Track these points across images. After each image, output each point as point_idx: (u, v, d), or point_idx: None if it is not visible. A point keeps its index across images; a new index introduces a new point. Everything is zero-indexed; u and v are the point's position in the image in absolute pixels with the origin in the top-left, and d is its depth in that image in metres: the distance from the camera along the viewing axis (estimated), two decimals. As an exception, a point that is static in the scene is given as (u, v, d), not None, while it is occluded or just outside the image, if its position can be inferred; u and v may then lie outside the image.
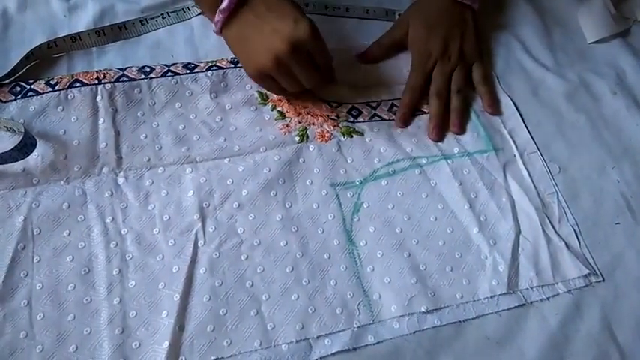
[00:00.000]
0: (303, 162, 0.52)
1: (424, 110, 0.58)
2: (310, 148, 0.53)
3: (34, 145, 0.48)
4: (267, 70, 0.49)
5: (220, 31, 0.50)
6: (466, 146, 0.55)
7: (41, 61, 0.55)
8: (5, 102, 0.51)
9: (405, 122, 0.56)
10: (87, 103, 0.52)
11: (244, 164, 0.51)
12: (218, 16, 0.49)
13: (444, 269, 0.49)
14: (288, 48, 0.47)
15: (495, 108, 0.58)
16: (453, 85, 0.57)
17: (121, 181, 0.49)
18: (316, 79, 0.52)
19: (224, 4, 0.48)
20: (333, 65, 0.55)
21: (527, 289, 0.48)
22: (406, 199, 0.52)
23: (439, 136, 0.55)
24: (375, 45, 0.60)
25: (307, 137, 0.54)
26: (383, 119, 0.56)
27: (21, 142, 0.47)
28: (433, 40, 0.58)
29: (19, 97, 0.51)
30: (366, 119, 0.56)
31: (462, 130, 0.56)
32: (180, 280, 0.45)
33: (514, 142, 0.56)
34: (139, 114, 0.52)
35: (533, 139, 0.57)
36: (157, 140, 0.52)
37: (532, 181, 0.54)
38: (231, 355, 0.43)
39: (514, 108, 0.58)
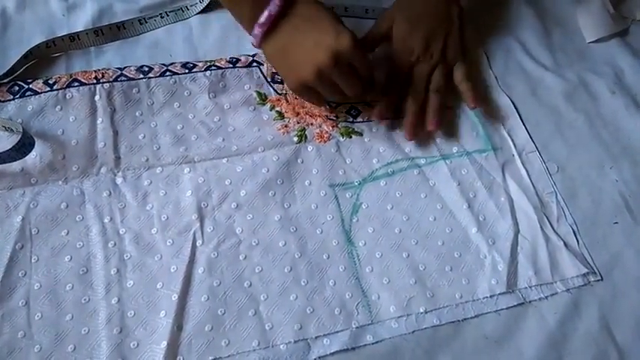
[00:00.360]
0: (302, 162, 0.52)
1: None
2: (309, 149, 0.53)
3: (32, 145, 0.48)
4: (310, 82, 0.48)
5: (260, 45, 0.49)
6: (465, 145, 0.55)
7: (40, 61, 0.54)
8: (3, 101, 0.51)
9: (382, 117, 0.55)
10: (85, 102, 0.52)
11: (243, 164, 0.51)
12: (257, 30, 0.48)
13: (443, 269, 0.49)
14: (331, 59, 0.46)
15: (479, 102, 0.56)
16: (432, 84, 0.56)
17: (119, 180, 0.49)
18: (359, 88, 0.51)
19: (263, 18, 0.47)
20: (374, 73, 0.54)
21: (526, 288, 0.48)
22: (405, 199, 0.52)
23: (412, 135, 0.54)
24: (361, 40, 0.58)
25: (306, 137, 0.54)
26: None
27: (19, 141, 0.47)
28: (416, 36, 0.57)
29: (18, 96, 0.51)
30: (365, 119, 0.56)
31: (437, 128, 0.55)
32: (178, 280, 0.45)
33: (513, 141, 0.56)
34: (137, 114, 0.52)
35: (532, 139, 0.56)
36: (155, 140, 0.52)
37: (531, 180, 0.54)
38: (229, 356, 0.43)
39: (513, 107, 0.58)
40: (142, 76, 0.54)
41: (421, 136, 0.55)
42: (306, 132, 0.54)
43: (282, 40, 0.48)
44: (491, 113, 0.58)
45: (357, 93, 0.51)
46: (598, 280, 0.50)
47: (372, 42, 0.59)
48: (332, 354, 0.44)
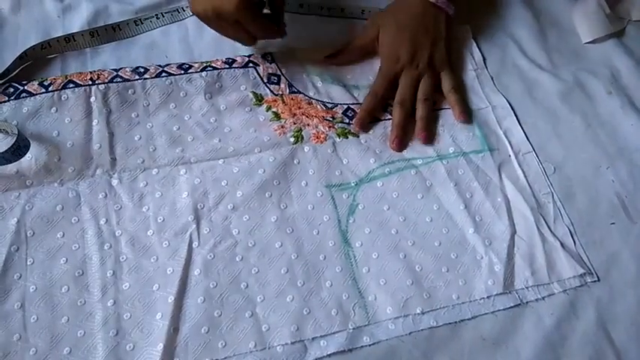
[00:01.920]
0: (298, 163, 0.52)
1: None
2: (305, 149, 0.53)
3: (27, 147, 0.48)
4: (201, 19, 0.50)
5: None
6: (461, 146, 0.55)
7: (35, 62, 0.54)
8: (-2, 103, 0.51)
9: (362, 126, 0.55)
10: (80, 104, 0.51)
11: (239, 165, 0.51)
12: None
13: (440, 270, 0.49)
14: (213, 14, 0.48)
15: (466, 117, 0.56)
16: (420, 94, 0.56)
17: (115, 182, 0.49)
18: (250, 42, 0.54)
19: None
20: (281, 24, 0.55)
21: (523, 289, 0.48)
22: (401, 200, 0.52)
23: (400, 146, 0.54)
24: (345, 47, 0.59)
25: (302, 138, 0.54)
26: (378, 120, 0.56)
27: (14, 143, 0.47)
28: (402, 45, 0.56)
29: (13, 98, 0.51)
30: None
31: (427, 140, 0.55)
32: (174, 282, 0.45)
33: (509, 141, 0.56)
34: (133, 115, 0.52)
35: (528, 139, 0.56)
36: (151, 141, 0.51)
37: (527, 180, 0.54)
38: (225, 357, 0.43)
39: (509, 108, 0.58)
40: (137, 77, 0.54)
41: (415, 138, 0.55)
42: (302, 133, 0.54)
43: None
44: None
45: (252, 44, 0.55)
46: (595, 281, 0.50)
47: (355, 52, 0.59)
48: (329, 355, 0.44)
